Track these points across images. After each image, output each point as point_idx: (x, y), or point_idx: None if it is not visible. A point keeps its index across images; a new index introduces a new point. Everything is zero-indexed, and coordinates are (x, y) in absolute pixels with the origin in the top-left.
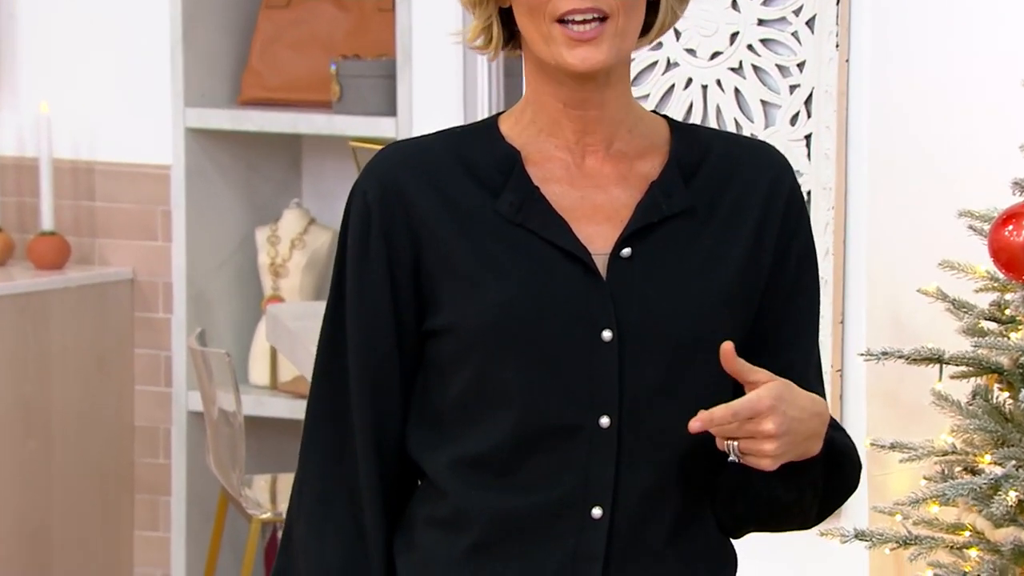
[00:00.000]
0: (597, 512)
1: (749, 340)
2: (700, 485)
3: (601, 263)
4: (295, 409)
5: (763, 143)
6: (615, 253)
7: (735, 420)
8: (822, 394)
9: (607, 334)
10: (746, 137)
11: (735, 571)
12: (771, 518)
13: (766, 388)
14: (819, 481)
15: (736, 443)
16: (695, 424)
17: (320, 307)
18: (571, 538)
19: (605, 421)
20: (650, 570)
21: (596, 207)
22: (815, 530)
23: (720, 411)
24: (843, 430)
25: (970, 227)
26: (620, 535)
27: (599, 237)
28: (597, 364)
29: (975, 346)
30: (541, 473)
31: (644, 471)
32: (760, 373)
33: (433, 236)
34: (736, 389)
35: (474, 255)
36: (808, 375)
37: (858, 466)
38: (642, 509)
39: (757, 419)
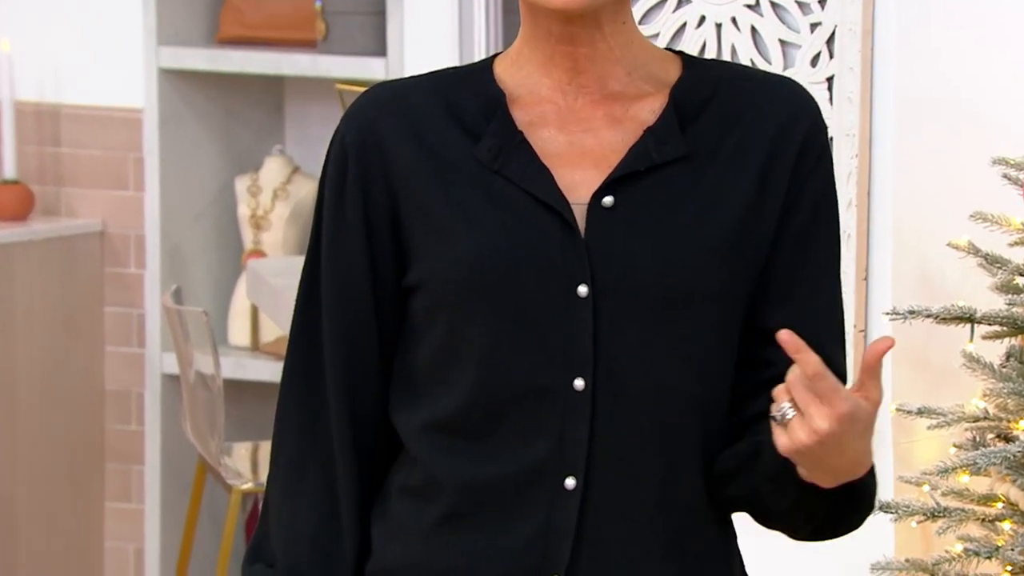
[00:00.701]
0: (570, 482)
1: (759, 296)
2: (681, 455)
3: (582, 213)
4: (278, 372)
5: (785, 78)
6: (595, 202)
7: (812, 382)
8: (841, 358)
9: (582, 289)
10: (767, 73)
11: (730, 545)
12: (758, 514)
13: (855, 400)
14: (819, 512)
15: (792, 411)
16: (784, 335)
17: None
18: (543, 510)
19: (579, 383)
20: (626, 546)
21: (585, 152)
22: None
23: (813, 359)
24: (872, 472)
25: (1005, 176)
26: (594, 508)
27: (584, 185)
28: (572, 322)
29: (1009, 304)
30: (512, 439)
31: (621, 439)
32: (876, 390)
33: (411, 186)
34: (738, 350)
35: (449, 205)
36: (823, 336)
37: (868, 510)
38: (618, 480)
39: (823, 408)
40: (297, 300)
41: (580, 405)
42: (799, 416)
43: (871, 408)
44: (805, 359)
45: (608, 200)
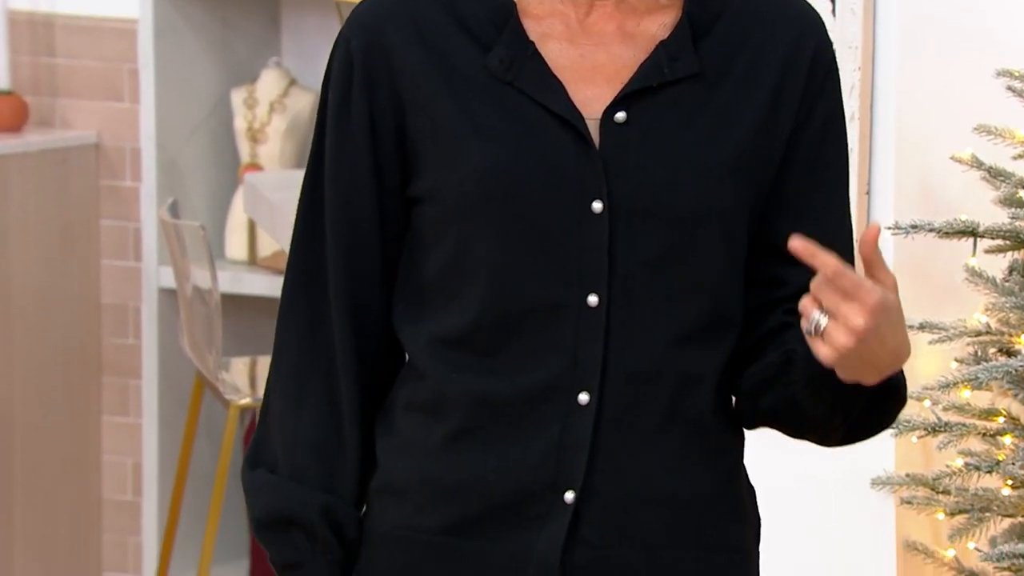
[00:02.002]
0: (584, 398)
1: (771, 214)
2: (694, 369)
3: (595, 128)
4: (275, 286)
5: None
6: (607, 117)
7: (835, 281)
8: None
9: (597, 205)
10: None
11: (738, 460)
12: (791, 424)
13: (882, 290)
14: (854, 411)
15: (825, 318)
16: (796, 242)
17: (301, 176)
18: (556, 425)
19: (593, 299)
20: (640, 459)
21: (596, 67)
22: None
23: (831, 259)
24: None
25: (1009, 88)
26: (608, 422)
27: (596, 100)
28: (586, 238)
29: (1012, 218)
30: (524, 355)
31: (635, 354)
32: (888, 276)
33: (418, 95)
34: (751, 269)
35: (459, 116)
36: (835, 250)
37: (902, 404)
38: (632, 395)
39: (854, 305)
40: (299, 207)
41: (594, 321)
42: (833, 322)
43: (894, 293)
44: (822, 260)
45: (620, 116)
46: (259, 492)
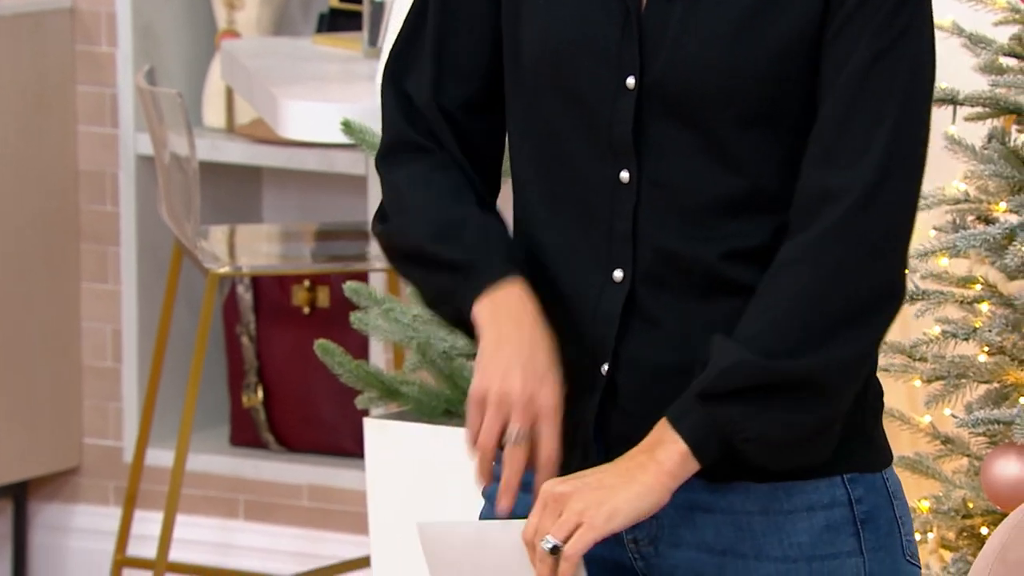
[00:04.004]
0: (618, 274)
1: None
2: (738, 245)
3: (640, 5)
4: (254, 154)
5: None
6: None
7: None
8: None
9: (631, 80)
10: None
11: None
12: None
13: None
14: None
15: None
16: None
17: (279, 43)
18: (594, 300)
19: (625, 176)
20: (678, 329)
21: None
22: None
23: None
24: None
25: None
26: (642, 297)
27: None
28: (618, 113)
29: (992, 85)
30: (567, 228)
31: (665, 232)
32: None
33: None
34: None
35: None
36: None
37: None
38: (665, 270)
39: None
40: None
41: (626, 197)
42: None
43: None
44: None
45: None
46: (417, 211)
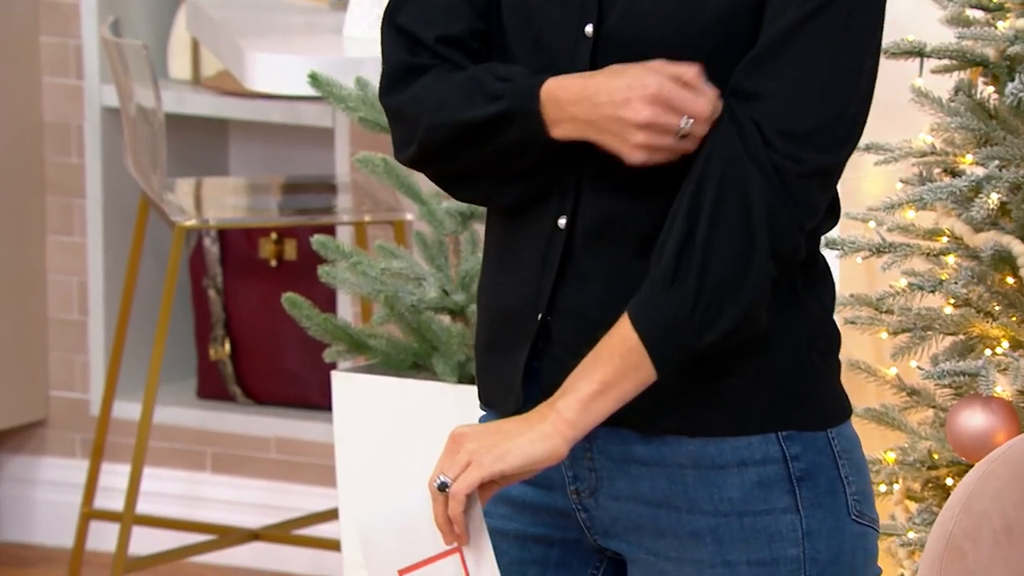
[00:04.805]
0: (562, 221)
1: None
2: (664, 206)
3: None
4: (220, 106)
5: None
6: None
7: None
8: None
9: (588, 28)
10: None
11: None
12: None
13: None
14: None
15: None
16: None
17: None
18: (541, 248)
19: None
20: (613, 284)
21: None
22: None
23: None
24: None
25: None
26: (581, 247)
27: None
28: (576, 60)
29: (959, 37)
30: (520, 175)
31: (607, 181)
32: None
33: None
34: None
35: None
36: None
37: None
38: (604, 221)
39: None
40: None
41: (576, 144)
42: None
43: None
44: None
45: None
46: (444, 103)
